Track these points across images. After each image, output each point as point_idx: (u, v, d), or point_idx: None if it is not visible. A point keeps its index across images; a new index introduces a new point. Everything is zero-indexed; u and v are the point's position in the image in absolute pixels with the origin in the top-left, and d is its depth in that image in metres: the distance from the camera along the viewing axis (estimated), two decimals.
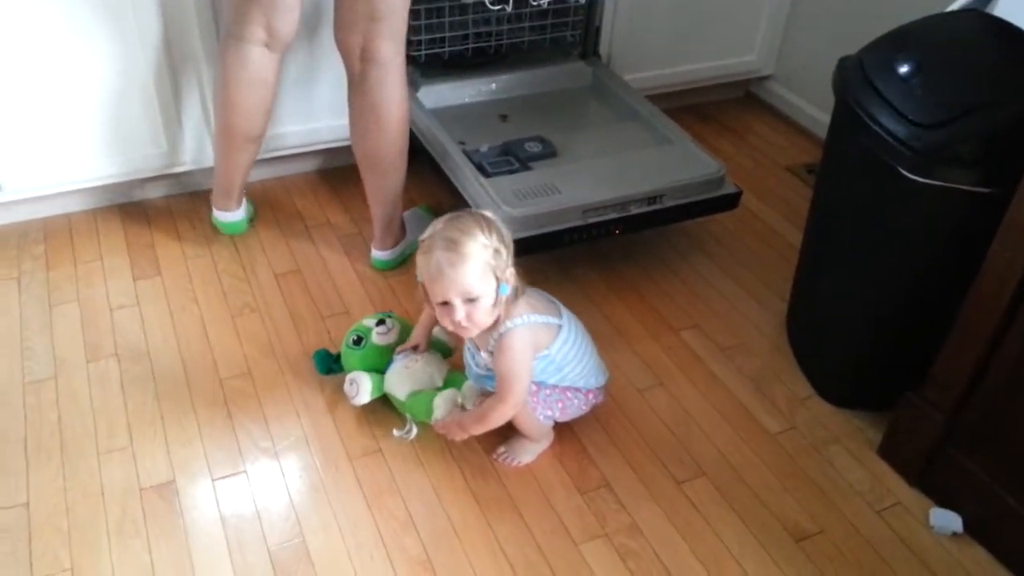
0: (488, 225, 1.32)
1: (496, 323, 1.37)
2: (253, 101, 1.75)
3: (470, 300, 1.31)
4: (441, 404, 1.51)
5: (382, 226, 1.91)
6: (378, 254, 1.95)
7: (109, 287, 1.85)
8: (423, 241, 1.33)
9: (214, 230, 2.01)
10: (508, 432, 1.54)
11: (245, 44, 1.68)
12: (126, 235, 2.00)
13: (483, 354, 1.44)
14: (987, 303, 1.36)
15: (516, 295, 1.37)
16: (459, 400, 1.52)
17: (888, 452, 1.59)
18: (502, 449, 1.55)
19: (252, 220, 2.04)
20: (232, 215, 1.96)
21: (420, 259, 1.34)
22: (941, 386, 1.47)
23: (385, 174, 1.84)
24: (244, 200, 1.98)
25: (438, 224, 1.33)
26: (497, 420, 1.43)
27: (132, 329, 1.76)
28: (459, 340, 1.56)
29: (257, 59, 1.70)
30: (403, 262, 1.97)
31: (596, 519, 1.46)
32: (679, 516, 1.47)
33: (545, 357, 1.44)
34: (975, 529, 1.46)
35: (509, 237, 1.36)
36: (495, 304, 1.34)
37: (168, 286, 1.87)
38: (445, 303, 1.33)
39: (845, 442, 1.62)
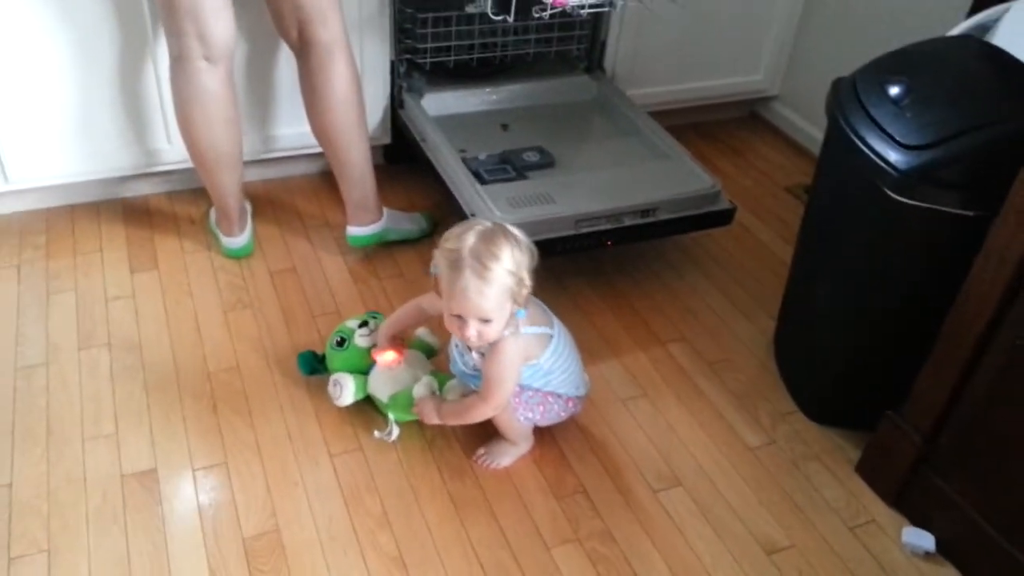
0: (517, 248, 1.33)
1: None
2: (206, 116, 1.73)
3: (485, 321, 1.34)
4: (420, 388, 1.54)
5: (352, 203, 1.94)
6: (352, 230, 1.97)
7: (107, 278, 1.89)
8: (451, 248, 1.33)
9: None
10: (489, 434, 1.55)
11: (185, 63, 1.68)
12: (127, 228, 2.04)
13: (474, 355, 1.45)
14: (966, 326, 1.36)
15: (519, 310, 1.39)
16: (435, 388, 1.56)
17: (866, 470, 1.59)
18: (482, 451, 1.56)
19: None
20: (235, 240, 1.96)
21: (445, 266, 1.33)
22: (920, 407, 1.48)
23: (340, 150, 1.88)
24: (249, 223, 1.99)
25: (470, 237, 1.32)
26: (475, 417, 1.47)
27: (126, 320, 1.79)
28: (444, 339, 1.58)
29: (201, 74, 1.69)
30: (381, 244, 2.00)
31: (570, 524, 1.47)
32: (653, 525, 1.48)
33: (534, 366, 1.46)
34: (947, 549, 1.46)
35: (534, 257, 1.36)
36: (504, 327, 1.37)
37: (164, 279, 1.90)
38: (459, 316, 1.35)
39: (824, 459, 1.63)
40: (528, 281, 1.35)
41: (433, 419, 1.51)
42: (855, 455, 1.62)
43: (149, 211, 2.10)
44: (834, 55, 2.45)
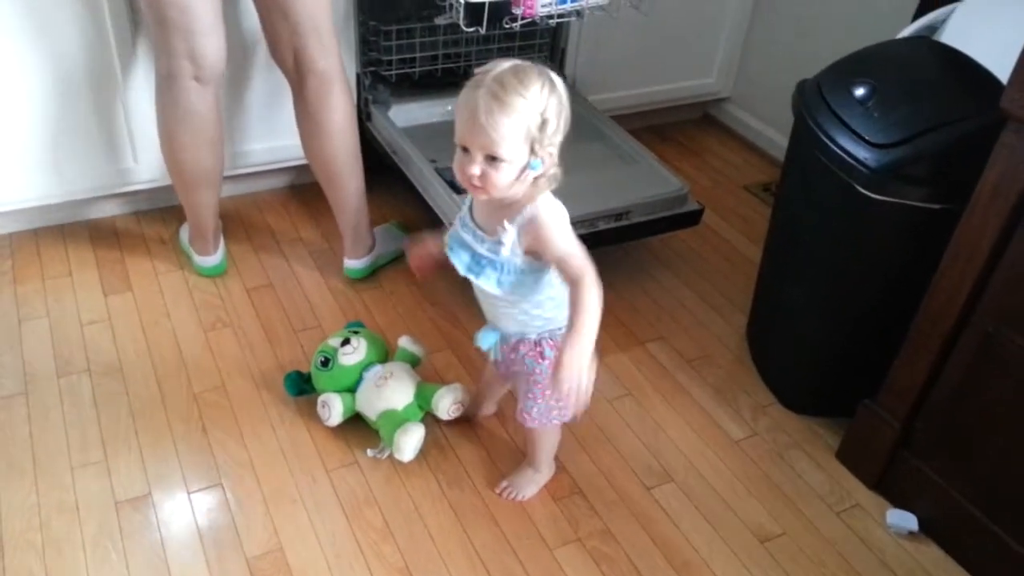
0: (550, 87, 1.13)
1: (515, 206, 1.19)
2: (193, 136, 1.72)
3: (492, 158, 1.13)
4: (404, 444, 1.51)
5: (350, 235, 1.94)
6: (350, 263, 1.97)
7: (79, 302, 1.85)
8: (476, 73, 1.13)
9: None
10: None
11: (175, 81, 1.66)
12: (95, 251, 2.00)
13: (504, 225, 1.20)
14: (939, 314, 1.43)
15: (548, 183, 1.19)
16: (422, 436, 1.54)
17: (846, 456, 1.65)
18: (505, 483, 1.53)
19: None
20: (210, 259, 1.95)
21: (463, 92, 1.14)
22: (897, 393, 1.54)
23: (341, 182, 1.87)
24: (221, 241, 1.97)
25: (502, 65, 1.12)
26: (593, 302, 1.18)
27: (104, 344, 1.76)
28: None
29: (189, 94, 1.67)
30: (374, 273, 2.00)
31: (570, 525, 1.50)
32: (650, 521, 1.52)
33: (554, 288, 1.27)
34: (930, 528, 1.53)
35: (568, 112, 1.16)
36: (519, 178, 1.15)
37: (140, 301, 1.87)
38: (465, 149, 1.15)
39: (805, 447, 1.69)
40: (556, 130, 1.14)
41: (585, 362, 1.16)
42: (835, 442, 1.68)
43: (117, 232, 2.07)
44: (782, 58, 2.53)
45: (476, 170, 1.13)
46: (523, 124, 1.10)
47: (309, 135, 1.82)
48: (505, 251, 1.21)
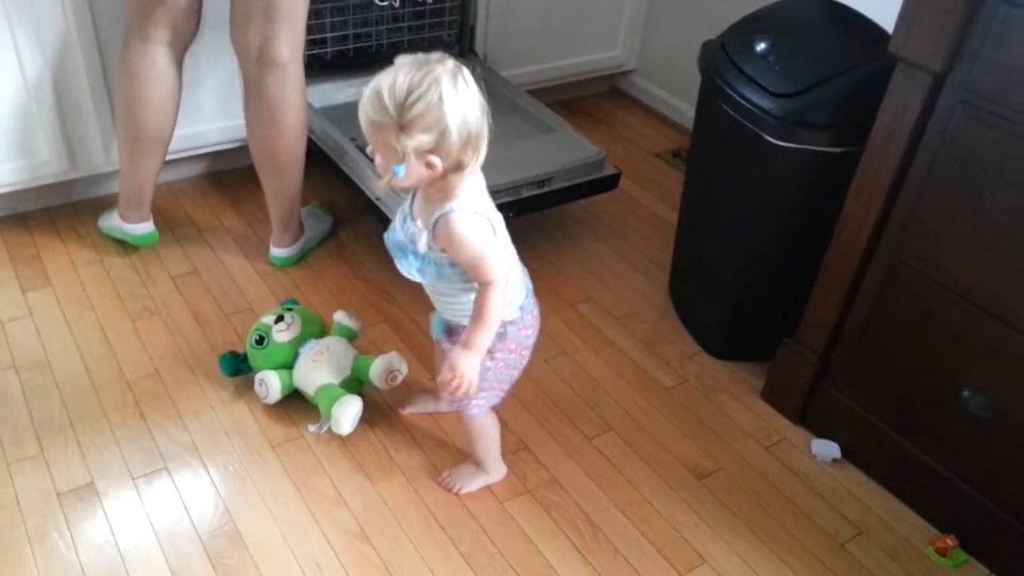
0: (437, 101, 1.10)
1: (436, 200, 1.21)
2: (161, 98, 1.75)
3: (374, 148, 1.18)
4: (341, 416, 1.51)
5: (281, 225, 1.94)
6: (277, 251, 1.97)
7: None
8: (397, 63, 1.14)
9: (102, 238, 1.97)
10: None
11: (150, 44, 1.69)
12: (7, 247, 1.94)
13: (419, 223, 1.24)
14: (846, 250, 1.54)
15: (453, 182, 1.19)
16: (359, 408, 1.54)
17: (770, 395, 1.75)
18: (446, 473, 1.53)
19: None
20: (144, 226, 1.92)
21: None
22: (812, 330, 1.65)
23: (284, 176, 1.86)
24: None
25: (423, 61, 1.12)
26: (493, 310, 1.25)
27: (27, 340, 1.71)
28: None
29: (163, 57, 1.71)
30: (303, 258, 2.00)
31: (518, 478, 1.54)
32: (593, 468, 1.58)
33: None
34: (852, 454, 1.64)
35: (470, 124, 1.13)
36: (388, 174, 1.16)
37: (61, 295, 1.83)
38: None
39: (732, 390, 1.78)
40: (431, 145, 1.12)
41: (473, 363, 1.27)
42: (758, 384, 1.78)
43: (28, 228, 2.00)
44: (684, 30, 2.62)
45: (368, 149, 1.19)
46: (380, 130, 1.13)
47: (262, 126, 1.79)
48: (421, 246, 1.25)
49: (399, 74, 1.12)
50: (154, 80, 1.72)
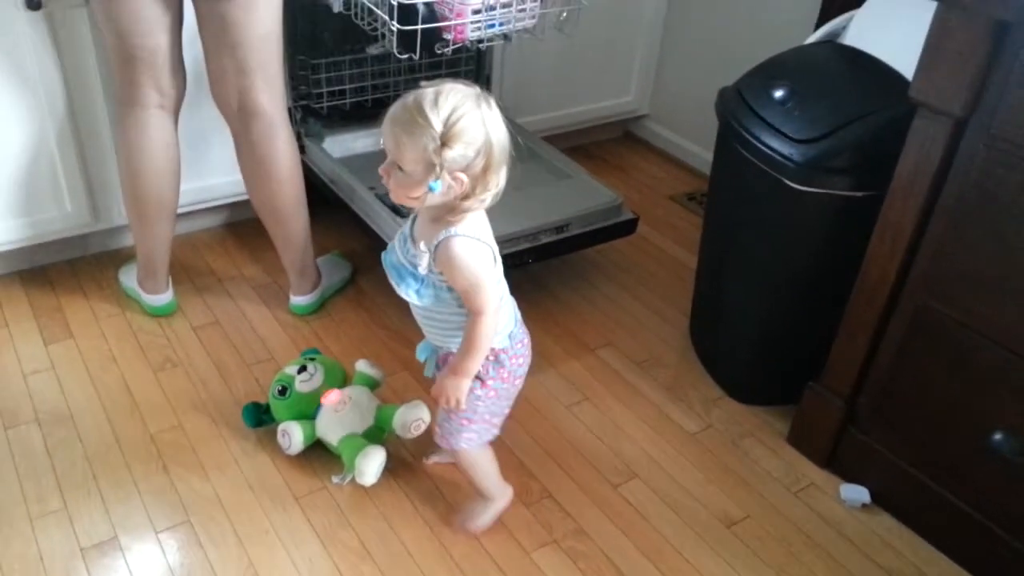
0: (469, 118, 1.13)
1: (439, 225, 1.22)
2: (158, 165, 1.73)
3: (399, 167, 1.16)
4: (365, 467, 1.51)
5: (296, 272, 1.94)
6: (296, 299, 1.97)
7: (19, 353, 1.80)
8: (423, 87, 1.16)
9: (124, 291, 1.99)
10: (457, 479, 1.58)
11: (140, 109, 1.68)
12: (30, 301, 1.95)
13: (421, 246, 1.24)
14: (871, 293, 1.53)
15: (470, 207, 1.20)
16: (383, 459, 1.54)
17: (797, 439, 1.73)
18: (458, 518, 1.52)
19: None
20: (161, 297, 1.93)
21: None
22: (837, 373, 1.63)
23: (286, 222, 1.87)
24: (170, 281, 1.95)
25: (445, 83, 1.15)
26: (483, 338, 1.27)
27: (50, 393, 1.71)
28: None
29: (155, 122, 1.70)
30: (322, 306, 2.00)
31: (543, 527, 1.52)
32: (620, 516, 1.56)
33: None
34: (881, 498, 1.61)
35: (497, 146, 1.16)
36: (418, 193, 1.16)
37: (83, 348, 1.83)
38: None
39: (758, 435, 1.76)
40: (465, 163, 1.14)
41: (461, 386, 1.31)
42: (784, 428, 1.76)
43: (50, 281, 2.02)
44: (695, 74, 2.66)
45: (382, 168, 1.18)
46: (417, 142, 1.12)
47: (255, 177, 1.80)
48: (422, 268, 1.25)
49: (438, 93, 1.13)
50: (147, 148, 1.71)
